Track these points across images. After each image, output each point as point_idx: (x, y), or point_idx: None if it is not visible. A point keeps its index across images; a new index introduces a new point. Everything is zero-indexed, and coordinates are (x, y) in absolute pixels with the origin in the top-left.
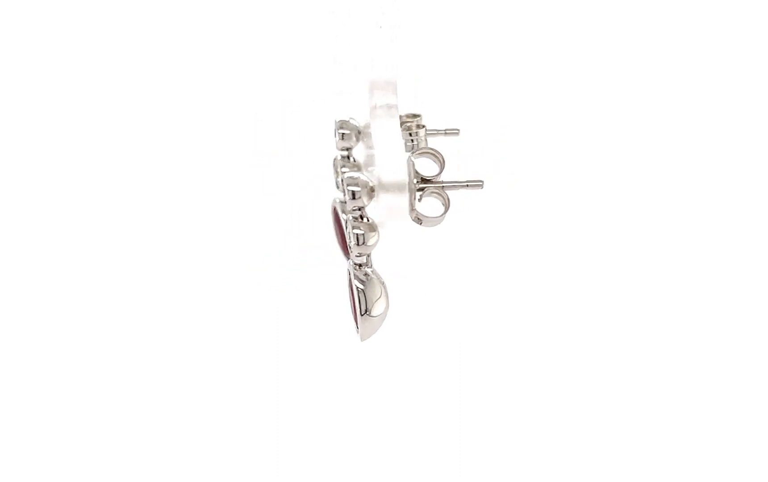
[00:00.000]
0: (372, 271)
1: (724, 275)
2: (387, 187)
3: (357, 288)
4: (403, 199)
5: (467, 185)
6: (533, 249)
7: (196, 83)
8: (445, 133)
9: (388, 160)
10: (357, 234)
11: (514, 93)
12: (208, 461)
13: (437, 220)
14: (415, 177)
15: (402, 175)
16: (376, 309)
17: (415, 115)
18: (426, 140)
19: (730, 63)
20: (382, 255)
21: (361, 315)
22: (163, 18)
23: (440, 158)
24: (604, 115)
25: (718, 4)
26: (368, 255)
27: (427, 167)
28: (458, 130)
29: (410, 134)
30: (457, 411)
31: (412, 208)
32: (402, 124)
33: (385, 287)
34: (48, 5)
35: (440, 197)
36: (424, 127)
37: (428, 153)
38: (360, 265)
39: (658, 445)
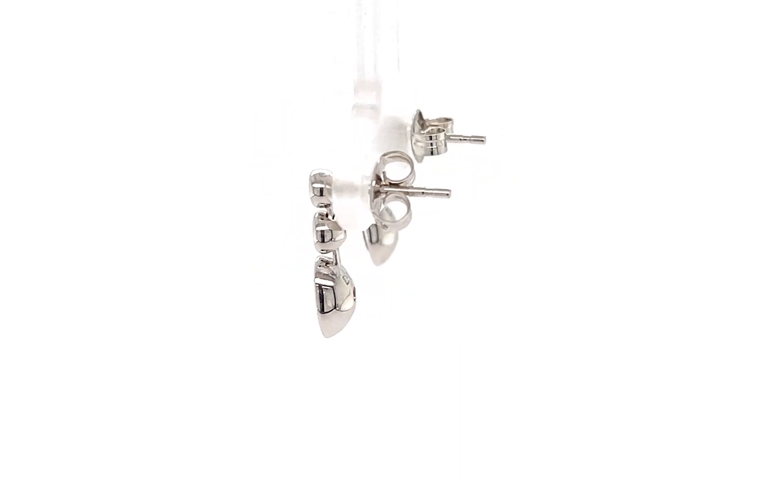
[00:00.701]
0: (339, 269)
1: (723, 276)
2: (338, 188)
3: (322, 285)
4: (352, 201)
5: (433, 193)
6: (533, 249)
7: (196, 83)
8: (471, 140)
9: (342, 160)
10: (322, 231)
11: (514, 93)
12: (208, 461)
13: (397, 224)
14: (377, 180)
15: (350, 177)
16: (344, 307)
17: (446, 120)
18: (446, 145)
19: (730, 63)
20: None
21: (324, 312)
22: (163, 18)
23: (409, 162)
24: (605, 115)
25: (718, 4)
26: (335, 252)
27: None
28: (484, 137)
29: (430, 138)
30: (457, 412)
31: (373, 211)
32: (427, 127)
33: (352, 285)
34: (48, 5)
35: (403, 201)
36: (443, 131)
37: (399, 156)
38: (327, 263)
39: (657, 445)
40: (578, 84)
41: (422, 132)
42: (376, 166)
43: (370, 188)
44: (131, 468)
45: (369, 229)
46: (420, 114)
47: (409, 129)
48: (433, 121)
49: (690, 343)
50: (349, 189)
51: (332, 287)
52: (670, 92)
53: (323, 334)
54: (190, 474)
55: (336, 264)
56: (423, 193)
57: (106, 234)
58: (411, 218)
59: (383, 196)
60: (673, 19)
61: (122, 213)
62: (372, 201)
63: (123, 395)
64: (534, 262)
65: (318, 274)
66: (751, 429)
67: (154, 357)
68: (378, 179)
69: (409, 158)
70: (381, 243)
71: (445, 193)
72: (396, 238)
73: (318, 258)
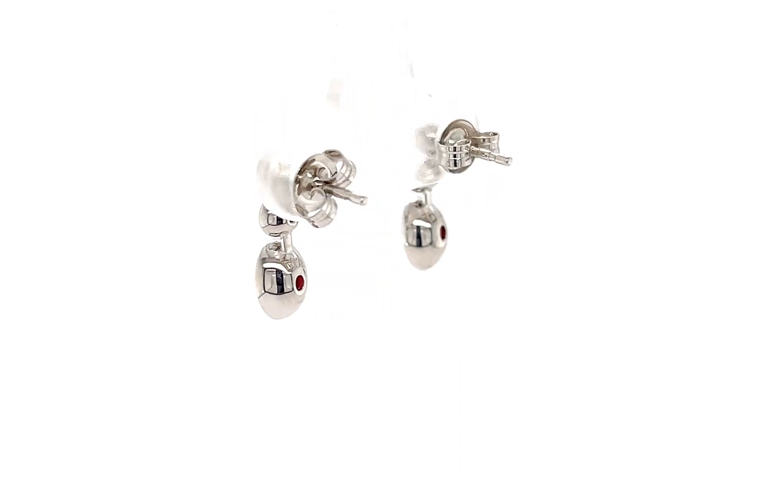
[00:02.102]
0: (291, 253)
1: (723, 278)
2: (260, 173)
3: (282, 270)
4: (269, 187)
5: (351, 197)
6: (532, 250)
7: (195, 83)
8: (496, 159)
9: (273, 148)
10: (275, 216)
11: (514, 93)
12: (207, 462)
13: (313, 219)
14: (311, 174)
15: (271, 164)
16: (300, 291)
17: (493, 134)
18: (468, 157)
19: (730, 63)
20: (378, 253)
21: (283, 293)
22: (162, 18)
23: (344, 161)
24: (604, 116)
25: (719, 4)
26: (284, 237)
27: None
28: (510, 158)
29: (454, 149)
30: (456, 413)
31: (297, 203)
32: (454, 139)
33: (303, 269)
34: (48, 6)
35: (324, 198)
36: (467, 143)
37: (336, 155)
38: (278, 247)
39: (657, 446)
40: (576, 84)
41: (447, 142)
42: (315, 159)
43: (294, 178)
44: (128, 468)
45: (419, 232)
46: (457, 124)
47: (437, 137)
48: (481, 135)
49: (688, 345)
50: (267, 176)
51: (290, 272)
52: (668, 92)
53: (272, 317)
54: (190, 475)
55: (285, 249)
56: (343, 195)
57: (105, 234)
58: (328, 217)
59: (307, 191)
60: (672, 19)
61: (122, 214)
62: (297, 193)
63: (121, 394)
64: (533, 263)
65: (271, 259)
66: (751, 429)
67: (153, 356)
68: (314, 173)
69: (344, 157)
70: (434, 246)
71: (359, 200)
72: (446, 242)
73: (271, 243)
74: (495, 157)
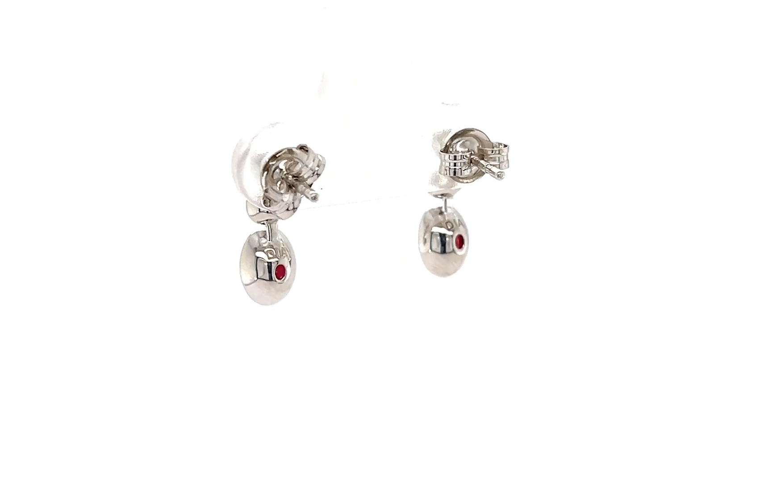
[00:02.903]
0: (278, 242)
1: (723, 281)
2: (234, 157)
3: (259, 256)
4: (237, 169)
5: (305, 193)
6: (531, 250)
7: (195, 84)
8: (489, 171)
9: (255, 137)
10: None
11: (513, 93)
12: (205, 460)
13: (279, 208)
14: (284, 165)
15: (241, 148)
16: (286, 280)
17: (505, 145)
18: (468, 166)
19: (730, 63)
20: (375, 251)
21: (270, 281)
22: (160, 18)
23: (312, 157)
24: (602, 117)
25: (719, 4)
26: (269, 225)
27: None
28: (502, 173)
29: (455, 158)
30: (451, 413)
31: (265, 189)
32: (456, 148)
33: (287, 256)
34: (46, 8)
35: (289, 189)
36: (468, 153)
37: (306, 150)
38: (264, 235)
39: (655, 447)
40: (575, 85)
41: (451, 150)
42: (288, 152)
43: (263, 167)
44: (123, 467)
45: (444, 239)
46: (468, 133)
47: (442, 144)
48: (493, 145)
49: (688, 346)
50: (240, 162)
51: (275, 260)
52: (667, 92)
53: (257, 303)
54: (189, 473)
55: (273, 237)
56: (301, 189)
57: (104, 236)
58: (293, 209)
59: (279, 181)
60: (671, 20)
61: (121, 216)
62: (265, 182)
63: (118, 392)
64: (532, 263)
65: (260, 247)
66: (751, 430)
67: (151, 357)
68: (286, 165)
69: (312, 151)
70: (455, 254)
71: (312, 196)
72: (465, 250)
73: (260, 231)
74: (489, 169)
